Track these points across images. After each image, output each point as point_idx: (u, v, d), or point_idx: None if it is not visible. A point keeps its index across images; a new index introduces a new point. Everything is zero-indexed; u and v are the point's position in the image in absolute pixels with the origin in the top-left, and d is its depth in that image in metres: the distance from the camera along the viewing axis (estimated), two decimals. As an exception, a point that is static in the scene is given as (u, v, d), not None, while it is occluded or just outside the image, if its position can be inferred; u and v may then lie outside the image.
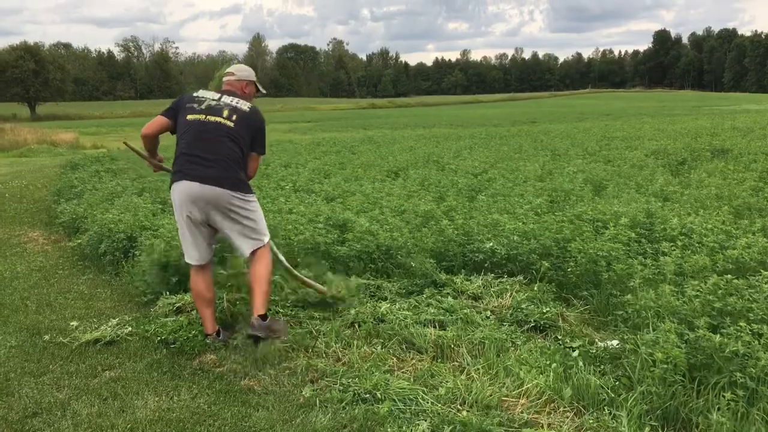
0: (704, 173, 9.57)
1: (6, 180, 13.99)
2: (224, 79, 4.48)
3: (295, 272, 4.77)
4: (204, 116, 4.17)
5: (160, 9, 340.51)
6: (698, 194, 7.59)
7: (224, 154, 4.10)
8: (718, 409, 2.98)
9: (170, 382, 3.79)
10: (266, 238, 4.34)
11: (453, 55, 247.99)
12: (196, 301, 4.37)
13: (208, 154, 4.09)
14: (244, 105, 4.29)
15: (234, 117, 4.19)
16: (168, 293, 5.11)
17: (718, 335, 3.26)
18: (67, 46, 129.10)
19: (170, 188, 4.25)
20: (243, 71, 4.51)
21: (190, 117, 4.20)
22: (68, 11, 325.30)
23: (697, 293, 3.86)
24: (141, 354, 4.18)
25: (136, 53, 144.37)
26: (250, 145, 4.27)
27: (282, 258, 4.68)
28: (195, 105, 4.24)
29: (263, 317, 4.12)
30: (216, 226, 4.24)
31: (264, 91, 4.69)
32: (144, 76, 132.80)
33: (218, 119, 4.16)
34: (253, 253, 4.26)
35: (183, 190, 4.10)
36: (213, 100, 4.26)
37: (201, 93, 4.35)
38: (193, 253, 4.28)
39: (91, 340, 4.36)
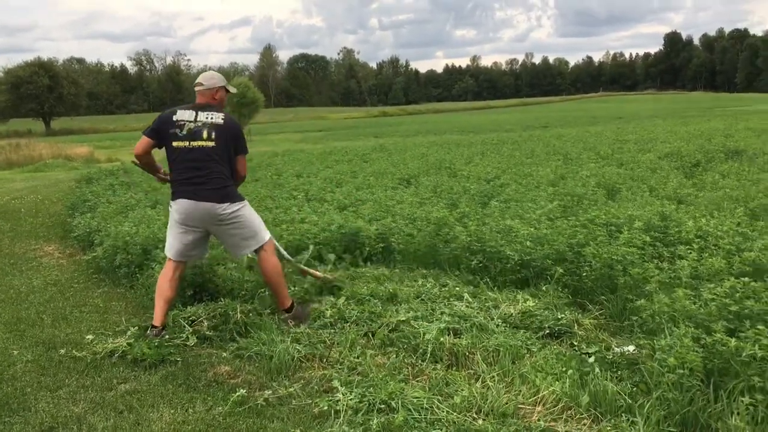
0: (718, 175, 9.49)
1: (22, 195, 14.13)
2: (196, 89, 4.81)
3: (293, 261, 5.38)
4: (188, 142, 4.58)
5: (170, 23, 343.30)
6: (713, 196, 7.53)
7: (211, 173, 4.57)
8: (737, 414, 2.95)
9: (185, 395, 3.79)
10: (266, 236, 4.82)
11: (463, 62, 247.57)
12: (156, 292, 4.72)
13: (197, 175, 4.57)
14: (218, 118, 4.64)
15: (213, 135, 4.59)
16: (182, 305, 5.12)
17: (735, 339, 3.22)
18: (80, 61, 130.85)
19: (169, 204, 4.79)
20: (210, 79, 4.83)
21: (175, 144, 4.60)
22: (80, 28, 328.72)
23: (713, 297, 3.82)
24: (156, 366, 4.19)
25: (148, 66, 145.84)
26: (234, 152, 4.69)
27: (282, 251, 5.21)
28: (177, 131, 4.60)
29: (288, 310, 4.78)
30: (214, 235, 4.78)
31: (234, 90, 5.03)
32: (157, 88, 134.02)
33: (201, 143, 4.57)
34: (257, 255, 4.81)
35: (181, 207, 4.62)
36: (190, 122, 4.61)
37: (179, 115, 4.65)
38: (171, 248, 4.76)
39: (106, 353, 4.38)
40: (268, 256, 4.79)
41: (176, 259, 4.75)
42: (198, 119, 4.61)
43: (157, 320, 4.62)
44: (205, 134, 4.57)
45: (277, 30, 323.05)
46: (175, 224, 4.69)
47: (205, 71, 5.09)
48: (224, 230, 4.67)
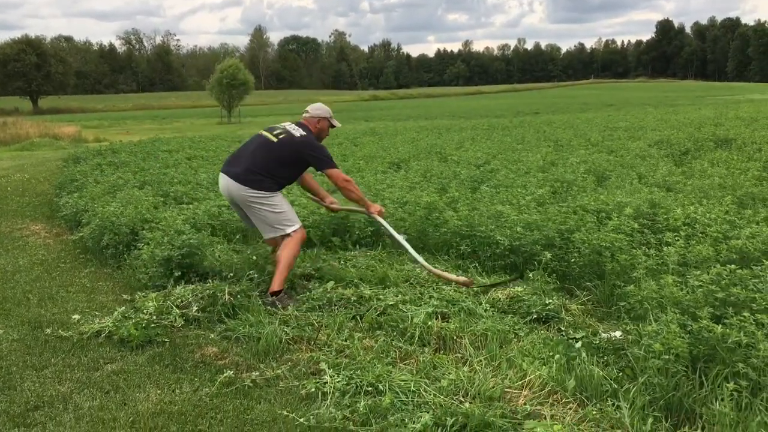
0: (707, 163, 9.52)
1: (8, 173, 14.00)
2: (302, 115, 5.27)
3: (424, 263, 5.12)
4: (261, 132, 5.14)
5: (160, 2, 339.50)
6: (701, 184, 7.55)
7: (252, 159, 4.95)
8: (722, 399, 2.97)
9: (172, 375, 3.79)
10: (290, 229, 4.97)
11: (454, 47, 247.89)
12: None
13: (242, 156, 5.03)
14: (298, 132, 5.05)
15: (281, 136, 5.01)
16: (173, 285, 5.09)
17: (721, 326, 3.25)
18: (68, 40, 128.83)
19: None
20: (317, 110, 5.24)
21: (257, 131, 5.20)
22: (69, 5, 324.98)
23: (700, 284, 3.84)
24: (142, 347, 4.18)
25: (137, 46, 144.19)
26: (294, 161, 5.01)
27: (414, 253, 5.18)
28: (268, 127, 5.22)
29: (274, 294, 4.81)
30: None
31: (338, 125, 5.42)
32: (146, 68, 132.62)
33: (267, 135, 5.05)
34: (282, 239, 4.98)
35: (220, 181, 5.13)
36: (279, 125, 5.16)
37: (281, 124, 5.22)
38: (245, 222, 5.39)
39: (93, 333, 4.36)
40: (288, 243, 4.94)
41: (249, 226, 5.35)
42: (285, 126, 5.12)
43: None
44: (276, 132, 5.06)
45: (268, 11, 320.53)
46: None
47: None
48: (248, 211, 5.02)
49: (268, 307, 4.70)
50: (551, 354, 3.64)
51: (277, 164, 4.97)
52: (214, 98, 49.29)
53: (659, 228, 5.59)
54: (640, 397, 3.11)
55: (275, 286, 4.85)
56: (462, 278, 4.92)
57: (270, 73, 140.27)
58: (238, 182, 4.89)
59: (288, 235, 4.97)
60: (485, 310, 4.40)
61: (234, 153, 5.19)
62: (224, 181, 5.02)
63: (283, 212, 4.99)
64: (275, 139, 4.99)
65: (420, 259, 5.14)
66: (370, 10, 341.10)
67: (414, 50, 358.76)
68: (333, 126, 5.31)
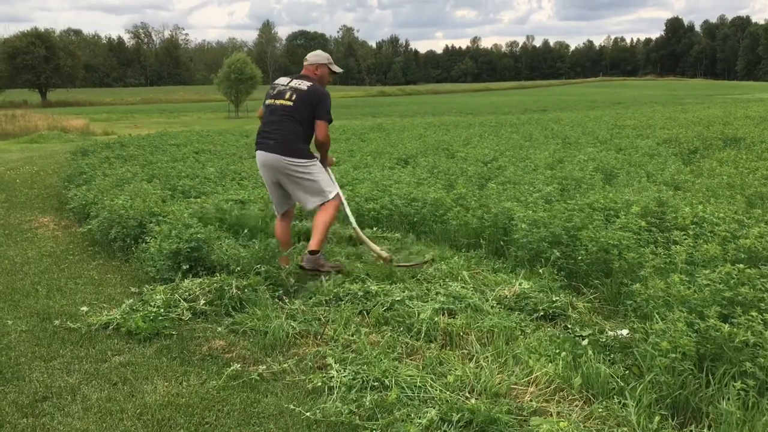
0: (716, 162, 9.48)
1: (17, 166, 14.05)
2: (304, 63, 5.44)
3: (361, 233, 5.61)
4: (273, 101, 5.25)
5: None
6: (710, 183, 7.52)
7: (283, 129, 5.13)
8: (728, 398, 2.96)
9: (179, 368, 3.80)
10: (330, 195, 5.23)
11: (462, 43, 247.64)
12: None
13: (271, 129, 5.19)
14: (304, 85, 5.21)
15: (293, 97, 5.16)
16: (180, 279, 5.11)
17: (728, 325, 3.24)
18: (77, 33, 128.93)
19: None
20: (313, 57, 5.44)
21: (267, 102, 5.34)
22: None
23: (708, 283, 3.83)
24: (150, 339, 4.20)
25: (146, 40, 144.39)
26: (312, 116, 5.17)
27: (351, 217, 5.57)
28: (271, 91, 5.34)
29: (312, 252, 5.04)
30: (284, 186, 5.27)
31: (339, 70, 5.61)
32: (154, 62, 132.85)
33: (281, 102, 5.19)
34: (321, 206, 5.20)
35: (257, 158, 5.33)
36: (283, 85, 5.29)
37: (279, 80, 5.40)
38: (272, 205, 5.64)
39: (101, 325, 4.38)
40: (326, 209, 5.20)
41: (276, 213, 5.58)
42: (289, 84, 5.26)
43: (282, 260, 5.23)
44: (287, 95, 5.19)
45: (276, 6, 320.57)
46: (264, 181, 5.47)
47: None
48: (290, 183, 5.19)
49: (309, 274, 4.98)
50: (558, 351, 3.63)
51: (306, 125, 5.17)
52: (222, 93, 49.37)
53: (667, 226, 5.56)
54: (647, 395, 3.10)
55: (313, 245, 5.07)
56: (384, 253, 5.44)
57: (278, 68, 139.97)
58: (279, 153, 5.08)
59: (328, 200, 5.19)
60: (492, 307, 4.40)
61: (262, 130, 5.29)
62: (263, 157, 5.20)
63: (323, 179, 5.24)
64: (291, 103, 5.14)
65: (354, 224, 5.57)
66: (378, 5, 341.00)
67: (422, 46, 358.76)
68: (334, 72, 5.48)
